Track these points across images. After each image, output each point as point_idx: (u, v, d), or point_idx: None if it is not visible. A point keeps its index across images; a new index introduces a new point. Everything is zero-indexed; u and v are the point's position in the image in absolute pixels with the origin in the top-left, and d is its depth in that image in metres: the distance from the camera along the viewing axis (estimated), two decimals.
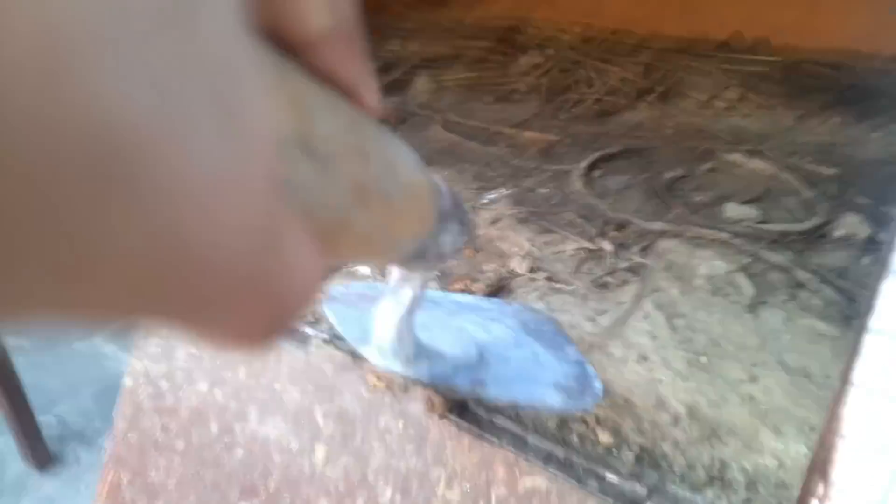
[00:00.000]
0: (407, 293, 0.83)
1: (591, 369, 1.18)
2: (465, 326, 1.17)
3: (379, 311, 0.89)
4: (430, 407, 1.10)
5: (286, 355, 1.27)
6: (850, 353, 0.77)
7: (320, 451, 1.18)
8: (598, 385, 1.15)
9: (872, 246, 1.63)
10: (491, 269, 1.59)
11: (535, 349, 1.18)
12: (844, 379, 0.78)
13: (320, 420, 1.18)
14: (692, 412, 1.17)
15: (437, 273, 0.85)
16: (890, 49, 3.54)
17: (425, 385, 1.10)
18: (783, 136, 2.37)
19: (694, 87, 2.92)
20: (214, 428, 1.29)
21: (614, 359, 1.29)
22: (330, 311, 1.17)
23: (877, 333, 0.73)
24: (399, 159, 0.46)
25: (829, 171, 2.01)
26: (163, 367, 1.44)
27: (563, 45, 3.61)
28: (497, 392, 1.03)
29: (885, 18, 3.77)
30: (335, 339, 1.30)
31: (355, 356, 1.21)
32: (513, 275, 1.55)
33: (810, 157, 2.13)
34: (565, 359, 1.19)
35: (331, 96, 0.31)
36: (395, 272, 0.85)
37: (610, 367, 1.27)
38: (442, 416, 1.09)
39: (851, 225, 1.66)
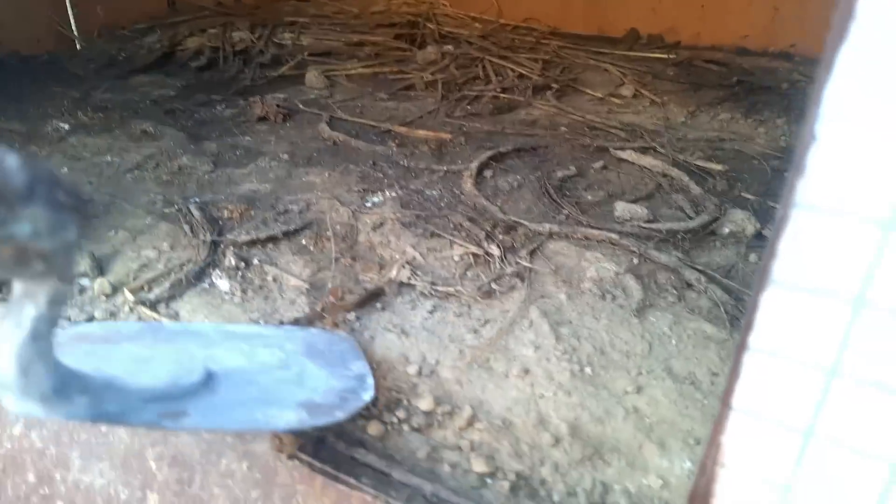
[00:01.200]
0: (28, 312, 0.65)
1: (370, 382, 1.08)
2: (214, 355, 1.05)
3: None
4: (279, 446, 0.95)
5: None
6: (730, 372, 0.68)
7: (153, 501, 1.00)
8: (366, 397, 1.04)
9: (759, 242, 1.61)
10: (368, 279, 1.46)
11: (305, 369, 1.08)
12: (724, 402, 0.69)
13: (153, 464, 1.01)
14: (574, 430, 1.07)
15: (70, 287, 0.67)
16: (777, 45, 3.67)
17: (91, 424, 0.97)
18: (675, 132, 2.36)
19: (590, 84, 2.89)
20: (31, 477, 1.09)
21: (495, 374, 1.18)
22: None
23: (757, 352, 0.65)
24: None
25: (717, 167, 2.00)
26: None
27: (464, 41, 3.52)
28: (201, 421, 0.90)
29: (774, 16, 3.92)
30: None
31: None
32: (391, 284, 1.42)
33: (700, 153, 2.12)
34: (343, 375, 1.09)
35: None
36: (15, 288, 0.66)
37: (489, 384, 1.16)
38: (291, 456, 0.95)
39: (739, 221, 1.63)
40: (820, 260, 0.58)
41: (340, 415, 0.97)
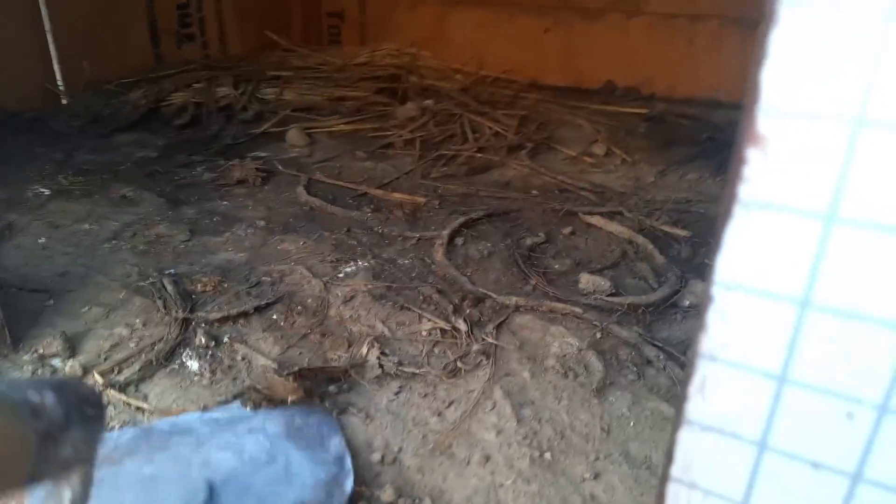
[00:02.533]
0: (66, 495, 0.71)
1: (348, 464, 1.15)
2: (208, 459, 1.12)
3: None
4: None
5: None
6: (657, 500, 0.72)
7: None
8: (348, 487, 1.10)
9: None
10: (336, 357, 1.49)
11: (290, 458, 1.14)
12: None
13: None
14: None
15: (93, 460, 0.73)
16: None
17: None
18: (644, 193, 2.43)
19: (564, 141, 2.97)
20: None
21: (456, 461, 1.21)
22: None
23: (677, 482, 0.68)
24: None
25: (682, 232, 2.06)
26: None
27: (444, 94, 3.61)
28: None
29: (746, 71, 4.02)
30: None
31: None
32: (358, 367, 1.45)
33: (667, 217, 2.18)
34: (324, 460, 1.15)
35: None
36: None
37: (451, 473, 1.19)
38: None
39: (699, 293, 1.68)
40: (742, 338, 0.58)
41: None
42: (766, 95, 0.44)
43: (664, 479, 0.69)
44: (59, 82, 3.40)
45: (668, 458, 0.68)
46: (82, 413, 0.56)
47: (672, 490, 0.68)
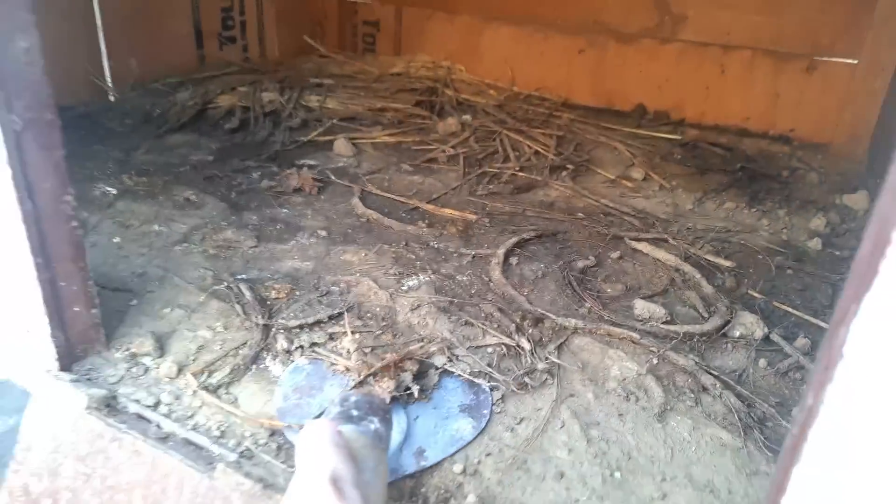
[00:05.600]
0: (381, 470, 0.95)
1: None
2: None
3: None
4: None
5: (188, 480, 1.18)
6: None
7: None
8: (486, 386, 1.41)
9: (767, 346, 1.74)
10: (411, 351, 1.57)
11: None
12: None
13: None
14: None
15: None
16: (777, 129, 3.89)
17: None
18: (684, 221, 2.52)
19: (602, 164, 3.06)
20: None
21: (533, 476, 1.29)
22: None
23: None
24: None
25: (726, 262, 2.15)
26: (45, 484, 1.31)
27: (480, 109, 3.70)
28: (434, 452, 1.24)
29: (775, 102, 4.12)
30: (243, 460, 1.23)
31: (266, 485, 1.14)
32: (432, 366, 1.53)
33: (709, 247, 2.27)
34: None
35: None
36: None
37: (528, 487, 1.27)
38: None
39: (748, 324, 1.77)
40: None
41: (486, 412, 1.32)
42: None
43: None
44: (108, 80, 3.49)
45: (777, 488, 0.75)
46: (386, 420, 0.77)
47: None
